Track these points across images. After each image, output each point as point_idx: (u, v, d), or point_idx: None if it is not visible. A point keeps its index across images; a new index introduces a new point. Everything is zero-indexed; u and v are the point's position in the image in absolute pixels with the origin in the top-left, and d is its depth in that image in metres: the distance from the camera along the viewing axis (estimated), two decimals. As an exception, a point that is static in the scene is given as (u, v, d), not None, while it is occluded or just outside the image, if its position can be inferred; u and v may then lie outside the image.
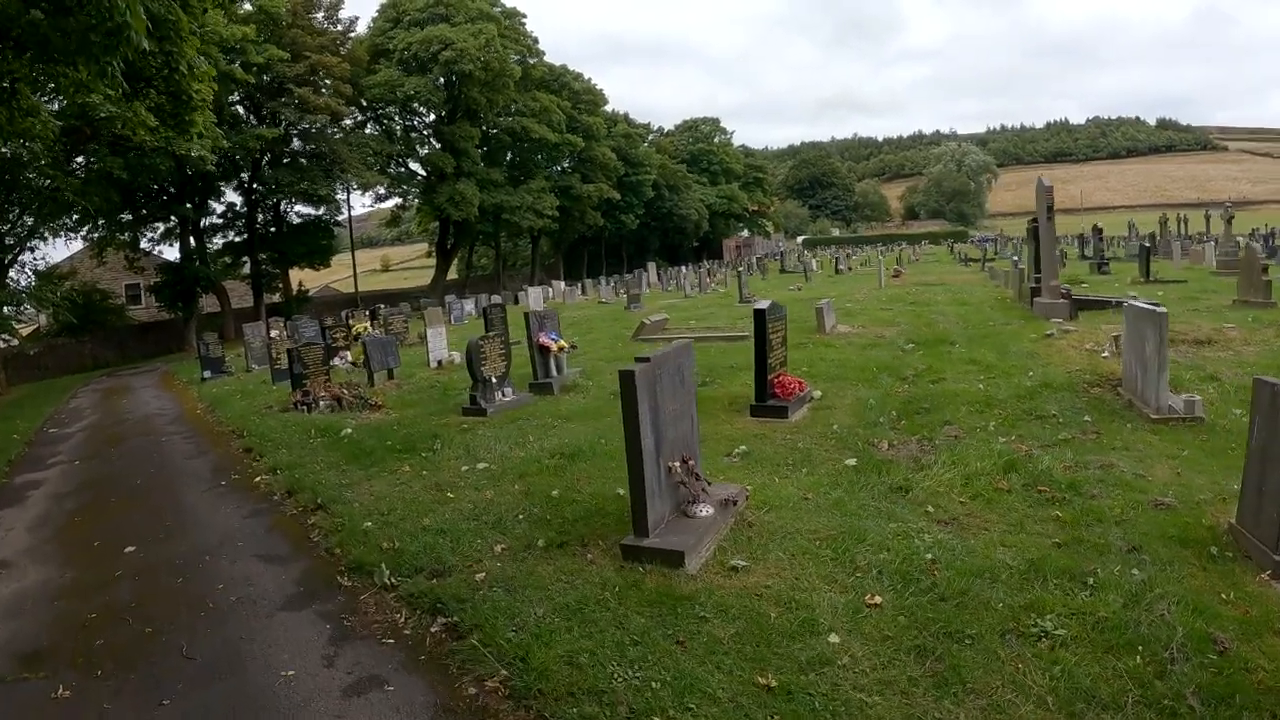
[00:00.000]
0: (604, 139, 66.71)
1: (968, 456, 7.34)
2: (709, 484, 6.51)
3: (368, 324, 28.76)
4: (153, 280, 42.90)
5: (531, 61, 57.26)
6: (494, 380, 12.30)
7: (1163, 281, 23.91)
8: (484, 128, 54.21)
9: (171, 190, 39.50)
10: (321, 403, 14.21)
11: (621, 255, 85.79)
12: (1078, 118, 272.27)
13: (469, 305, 36.93)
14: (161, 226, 43.10)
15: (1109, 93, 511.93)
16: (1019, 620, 4.50)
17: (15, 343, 36.52)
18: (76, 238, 38.07)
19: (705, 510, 6.15)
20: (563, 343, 13.85)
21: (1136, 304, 9.15)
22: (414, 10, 49.91)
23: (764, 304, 10.12)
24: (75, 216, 34.56)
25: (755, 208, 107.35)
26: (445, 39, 46.83)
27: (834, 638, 4.44)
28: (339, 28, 45.98)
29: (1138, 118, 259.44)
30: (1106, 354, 12.03)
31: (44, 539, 8.35)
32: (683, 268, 64.10)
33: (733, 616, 4.78)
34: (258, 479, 9.79)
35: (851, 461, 7.60)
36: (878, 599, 4.83)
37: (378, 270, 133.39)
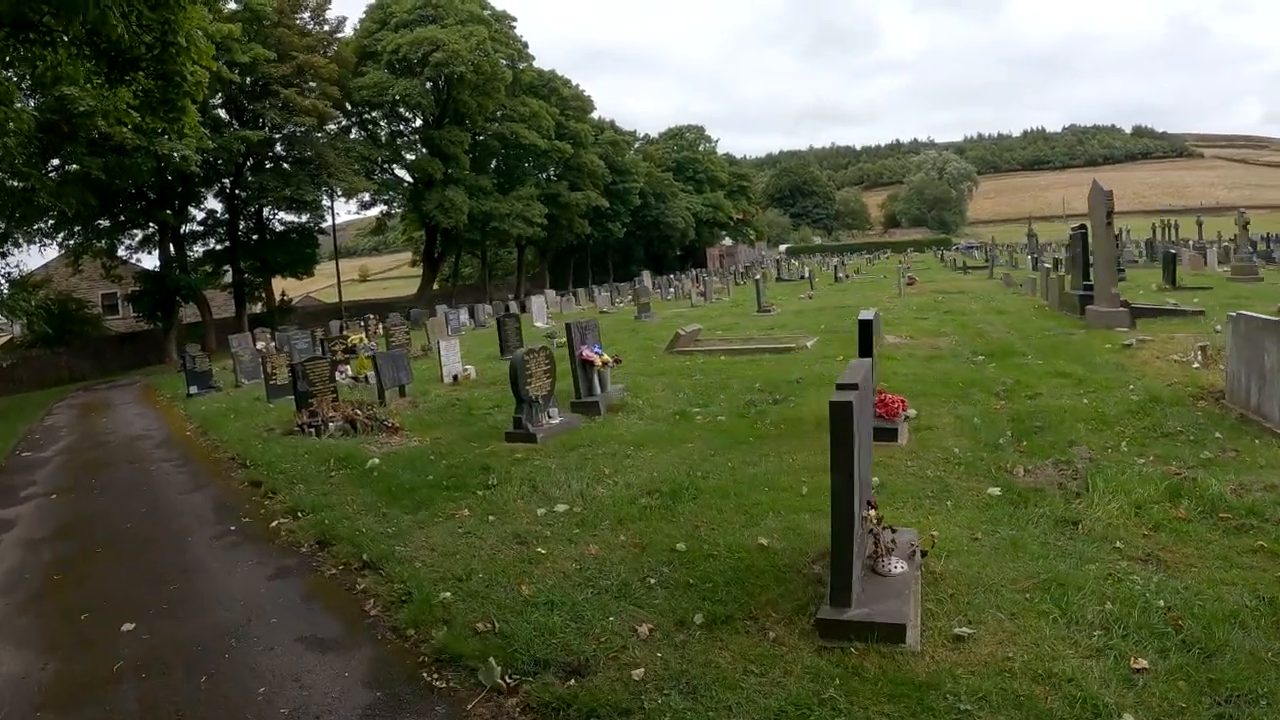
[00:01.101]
0: (591, 146, 65.25)
1: (1126, 483, 6.56)
2: (894, 530, 5.13)
3: (363, 335, 27.08)
4: (131, 289, 40.91)
5: (521, 66, 55.70)
6: (540, 400, 10.76)
7: (1189, 289, 23.07)
8: (474, 133, 52.53)
9: (151, 195, 37.57)
10: (331, 425, 12.62)
11: (607, 264, 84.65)
12: (1054, 127, 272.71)
13: (463, 315, 35.24)
14: (140, 234, 41.07)
15: (1085, 103, 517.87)
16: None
17: (-14, 355, 34.58)
18: (52, 244, 36.20)
19: (899, 566, 5.00)
20: (606, 357, 12.33)
21: (1250, 315, 8.61)
22: (402, 12, 48.21)
23: (869, 314, 8.99)
24: (51, 221, 32.63)
25: (740, 216, 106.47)
26: (436, 40, 45.21)
27: (1128, 718, 3.66)
28: (325, 29, 44.24)
29: (1114, 125, 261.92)
30: (1197, 364, 11.33)
31: (17, 606, 6.74)
32: (681, 275, 62.78)
33: (998, 705, 3.83)
34: (275, 523, 8.21)
35: (995, 491, 6.80)
36: (1141, 662, 4.08)
37: (356, 280, 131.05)
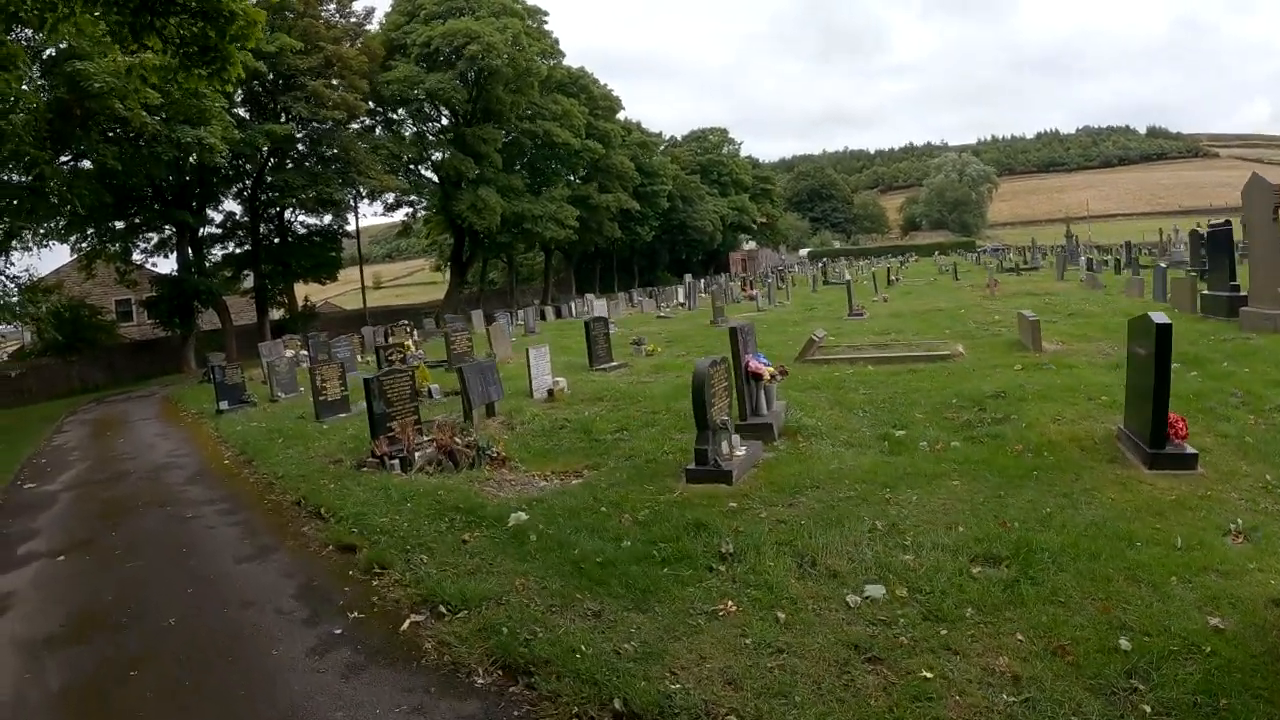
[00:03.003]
0: (619, 148, 62.73)
1: None
2: None
3: (412, 341, 24.33)
4: (146, 295, 38.26)
5: (551, 63, 53.04)
6: (725, 426, 8.05)
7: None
8: (506, 131, 49.81)
9: (169, 195, 35.01)
10: (416, 454, 9.89)
11: (633, 269, 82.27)
12: (1066, 128, 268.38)
13: (502, 320, 32.32)
14: (156, 237, 38.57)
15: (1093, 103, 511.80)
16: None
17: (-5, 364, 32.02)
18: (65, 245, 33.70)
19: None
20: (772, 369, 9.64)
21: None
22: (431, 4, 45.50)
23: (1161, 317, 7.10)
24: (63, 221, 29.99)
25: (763, 219, 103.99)
26: (471, 32, 42.42)
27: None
28: (353, 20, 41.61)
29: (1128, 126, 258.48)
30: None
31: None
32: (729, 279, 60.27)
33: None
34: (407, 624, 5.45)
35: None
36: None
37: (370, 287, 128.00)
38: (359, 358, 24.23)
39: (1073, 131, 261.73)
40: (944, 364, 13.65)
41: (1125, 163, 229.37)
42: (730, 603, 4.99)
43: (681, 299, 44.45)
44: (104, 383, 35.90)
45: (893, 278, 47.14)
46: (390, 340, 22.93)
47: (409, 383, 10.91)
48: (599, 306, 28.84)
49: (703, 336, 21.87)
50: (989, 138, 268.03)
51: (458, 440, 9.70)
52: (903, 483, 7.23)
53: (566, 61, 56.93)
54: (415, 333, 29.37)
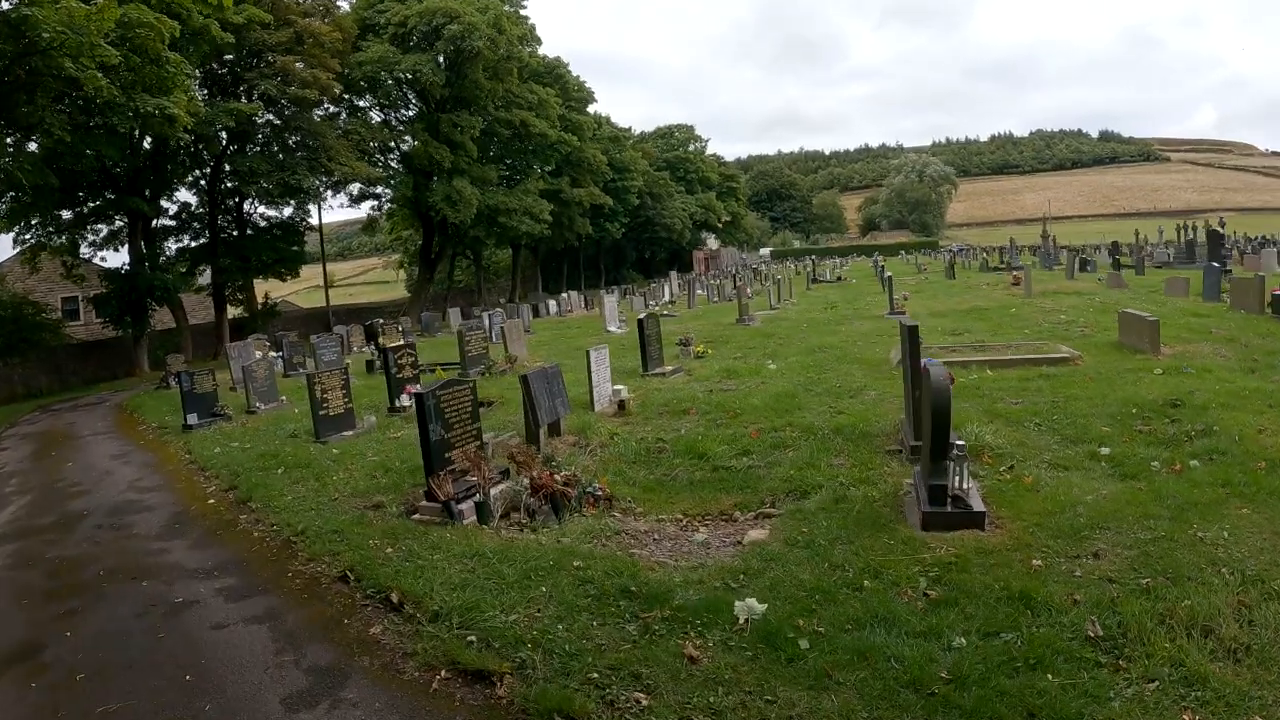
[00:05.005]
0: (591, 141, 60.52)
1: None
2: None
3: (400, 340, 21.81)
4: (95, 291, 35.05)
5: (529, 50, 50.64)
6: (963, 453, 6.08)
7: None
8: (482, 119, 47.23)
9: (121, 182, 32.00)
10: (494, 490, 7.63)
11: (599, 266, 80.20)
12: (1020, 132, 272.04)
13: (496, 318, 29.86)
14: (105, 229, 35.56)
15: (1045, 110, 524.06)
16: None
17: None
18: (6, 235, 30.60)
19: None
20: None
21: None
22: (407, -19, 42.80)
23: None
24: (2, 207, 26.90)
25: (728, 218, 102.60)
26: (451, 11, 39.71)
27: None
28: (322, -1, 38.81)
29: (1080, 130, 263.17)
30: None
31: None
32: (719, 276, 58.43)
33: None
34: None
35: None
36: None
37: (319, 287, 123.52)
38: (346, 361, 21.69)
39: (1026, 135, 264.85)
40: (1068, 368, 12.28)
41: (1078, 166, 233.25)
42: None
43: (668, 296, 42.47)
44: (49, 388, 32.72)
45: (884, 276, 45.77)
46: (380, 340, 20.33)
47: (470, 398, 8.56)
48: (609, 306, 26.46)
49: (744, 336, 19.92)
50: (943, 140, 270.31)
51: (557, 480, 7.42)
52: (1190, 515, 6.13)
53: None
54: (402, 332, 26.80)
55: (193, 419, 16.60)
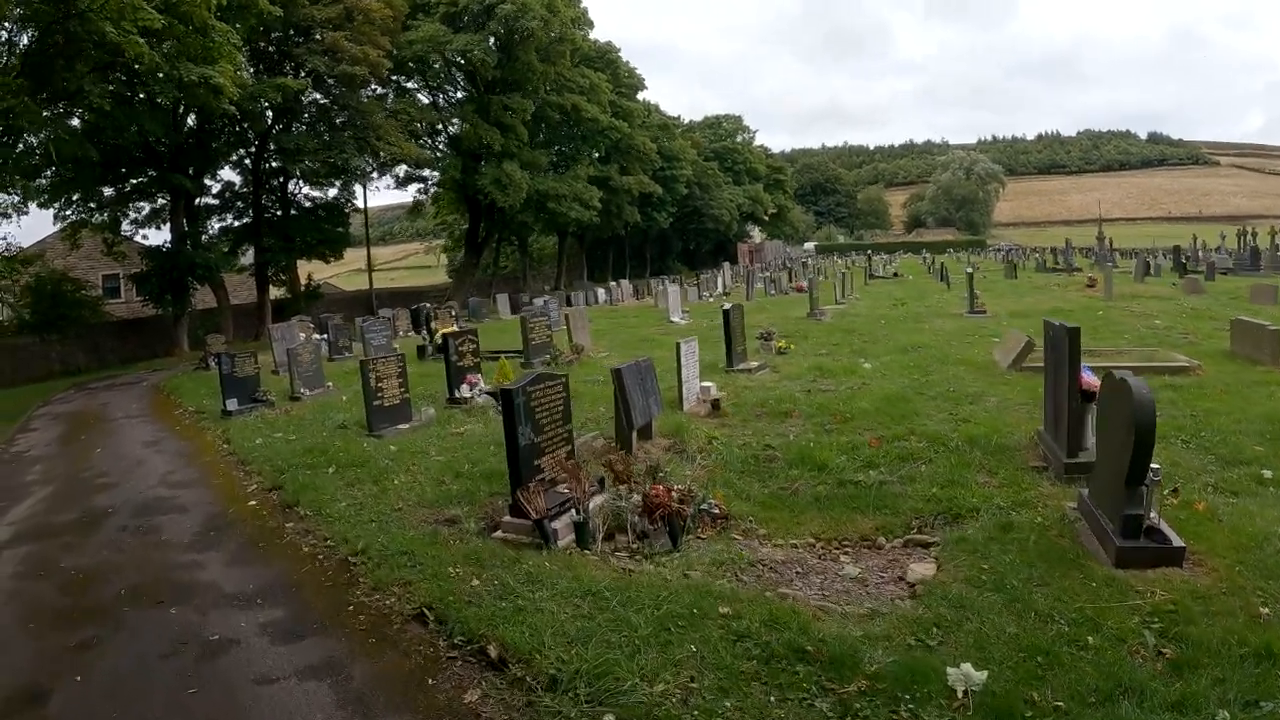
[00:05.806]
0: (640, 128, 59.22)
1: None
2: None
3: (454, 325, 20.65)
4: (135, 269, 34.31)
5: (581, 33, 49.39)
6: (1155, 477, 5.07)
7: None
8: (533, 103, 46.05)
9: (164, 162, 31.19)
10: (592, 504, 6.31)
11: (645, 256, 78.87)
12: (1066, 131, 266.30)
13: (551, 304, 28.54)
14: (147, 206, 34.84)
15: (1090, 108, 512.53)
16: None
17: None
18: (47, 210, 30.09)
19: None
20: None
21: None
22: (453, -38, 41.68)
23: None
24: (44, 182, 26.07)
25: (774, 210, 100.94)
26: (504, -11, 38.75)
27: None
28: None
29: (1129, 131, 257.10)
30: None
31: None
32: (772, 269, 56.94)
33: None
34: None
35: None
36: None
37: (360, 270, 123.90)
38: (395, 345, 20.55)
39: (1073, 135, 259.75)
40: (1192, 379, 11.41)
41: (1126, 167, 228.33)
42: None
43: (721, 288, 41.10)
44: (86, 365, 32.01)
45: (944, 276, 44.14)
46: (435, 324, 19.10)
47: (562, 395, 7.23)
48: (672, 296, 25.08)
49: (820, 332, 18.55)
50: (989, 138, 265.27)
51: (673, 497, 6.06)
52: None
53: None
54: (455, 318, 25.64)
55: (232, 404, 15.41)
